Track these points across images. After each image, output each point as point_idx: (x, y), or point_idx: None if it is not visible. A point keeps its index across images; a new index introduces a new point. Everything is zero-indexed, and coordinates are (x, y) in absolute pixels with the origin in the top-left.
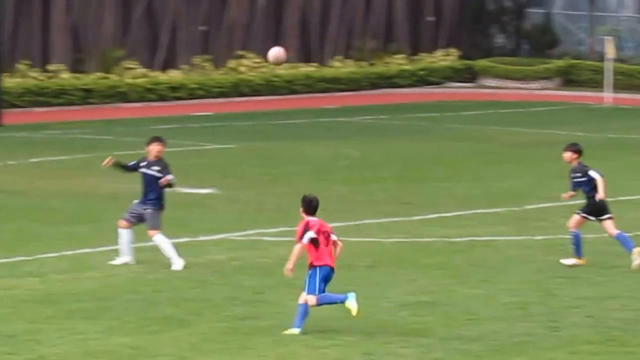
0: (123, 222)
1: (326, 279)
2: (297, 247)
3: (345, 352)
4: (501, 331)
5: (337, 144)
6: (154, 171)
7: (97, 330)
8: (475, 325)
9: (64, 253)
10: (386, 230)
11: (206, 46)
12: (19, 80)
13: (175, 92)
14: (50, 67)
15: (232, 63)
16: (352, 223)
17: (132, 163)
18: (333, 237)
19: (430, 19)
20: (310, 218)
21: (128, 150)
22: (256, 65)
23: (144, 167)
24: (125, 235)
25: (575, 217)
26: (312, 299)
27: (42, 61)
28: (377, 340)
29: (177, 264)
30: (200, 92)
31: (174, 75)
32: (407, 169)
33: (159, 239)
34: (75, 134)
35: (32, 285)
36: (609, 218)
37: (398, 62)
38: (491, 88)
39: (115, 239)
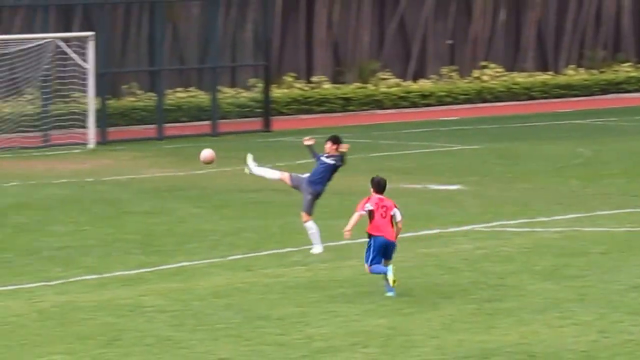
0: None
1: (383, 249)
2: (356, 215)
3: (582, 331)
4: None
5: (572, 144)
6: (333, 160)
7: (357, 312)
8: None
9: (326, 244)
10: (617, 221)
11: (453, 57)
12: (285, 90)
13: (426, 100)
14: (314, 78)
15: (476, 72)
16: (586, 214)
17: (317, 154)
18: (397, 214)
19: None
20: (375, 195)
21: (384, 152)
22: (498, 74)
23: (324, 157)
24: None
25: None
26: (366, 268)
27: (306, 73)
28: (610, 319)
29: (317, 249)
30: (448, 99)
31: (424, 84)
32: (635, 165)
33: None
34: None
35: (299, 273)
36: None
37: (625, 70)
38: None
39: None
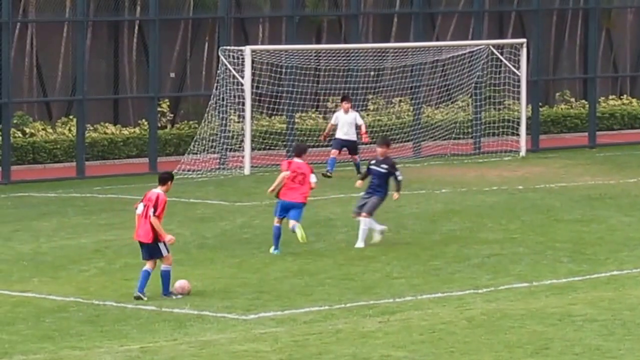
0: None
1: (286, 209)
2: (281, 175)
3: None
4: None
5: None
6: (382, 169)
7: None
8: None
9: None
10: None
11: None
12: None
13: None
14: None
15: None
16: None
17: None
18: (312, 178)
19: None
20: (294, 160)
21: None
22: None
23: (373, 165)
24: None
25: None
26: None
27: None
28: None
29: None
30: None
31: None
32: None
33: (367, 221)
34: None
35: None
36: None
37: None
38: None
39: None
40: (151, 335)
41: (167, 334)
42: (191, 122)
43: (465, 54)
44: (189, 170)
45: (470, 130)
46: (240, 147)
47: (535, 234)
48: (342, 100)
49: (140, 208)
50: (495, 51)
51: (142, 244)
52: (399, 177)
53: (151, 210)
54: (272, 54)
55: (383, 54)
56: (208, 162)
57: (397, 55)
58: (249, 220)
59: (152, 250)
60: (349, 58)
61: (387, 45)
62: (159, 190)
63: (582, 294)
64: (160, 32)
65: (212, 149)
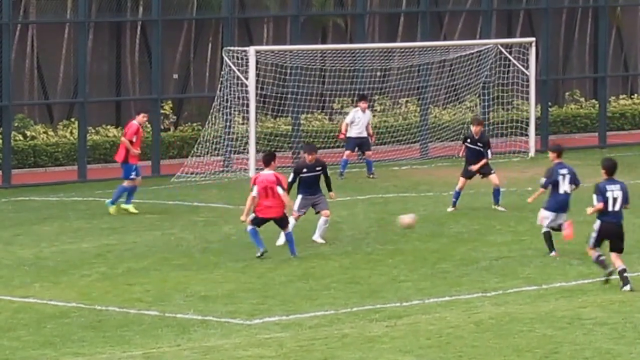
0: (294, 215)
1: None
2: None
3: None
4: None
5: None
6: (317, 171)
7: None
8: None
9: None
10: None
11: None
12: None
13: None
14: None
15: None
16: None
17: (291, 178)
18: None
19: None
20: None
21: None
22: None
23: (306, 172)
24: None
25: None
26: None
27: None
28: None
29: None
30: None
31: None
32: None
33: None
34: None
35: None
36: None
37: None
38: None
39: None
40: (154, 341)
41: (170, 340)
42: (195, 124)
43: (473, 53)
44: (192, 173)
45: None
46: (244, 149)
47: None
48: (360, 100)
49: (255, 191)
50: (503, 50)
51: (269, 220)
52: (327, 174)
53: (280, 189)
54: (277, 55)
55: (389, 54)
56: (212, 164)
57: (403, 55)
58: None
59: (281, 221)
60: (355, 58)
61: (394, 45)
62: (270, 171)
63: (592, 296)
64: (163, 33)
65: (216, 152)
